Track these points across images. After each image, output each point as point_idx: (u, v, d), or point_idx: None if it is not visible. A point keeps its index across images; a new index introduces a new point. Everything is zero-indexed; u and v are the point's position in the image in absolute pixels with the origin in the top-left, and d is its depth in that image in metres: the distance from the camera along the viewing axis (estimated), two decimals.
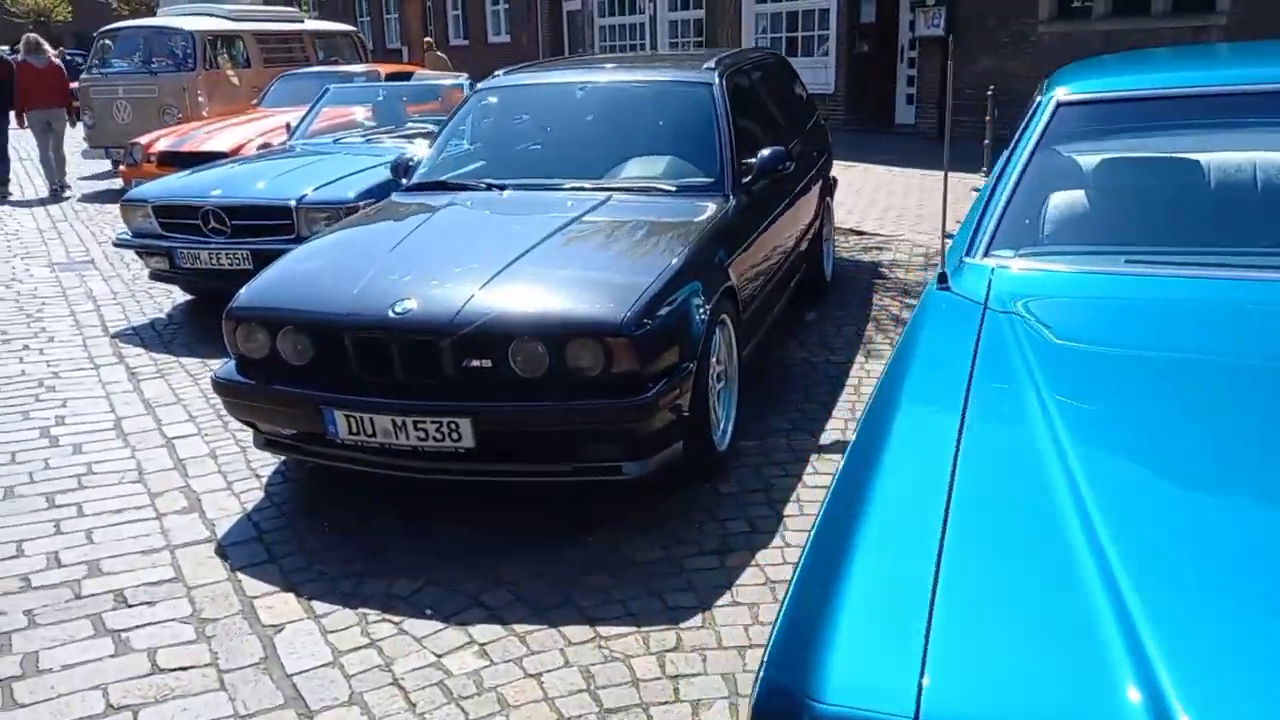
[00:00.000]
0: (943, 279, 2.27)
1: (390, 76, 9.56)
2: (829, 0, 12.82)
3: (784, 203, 4.10)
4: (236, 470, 3.46)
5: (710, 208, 3.47)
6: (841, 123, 12.93)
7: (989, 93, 8.67)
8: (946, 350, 1.90)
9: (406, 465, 2.88)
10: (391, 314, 2.81)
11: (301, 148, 6.09)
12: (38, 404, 4.12)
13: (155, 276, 5.34)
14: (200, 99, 9.97)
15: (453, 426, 2.74)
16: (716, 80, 3.95)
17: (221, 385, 3.05)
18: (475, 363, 2.77)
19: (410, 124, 6.53)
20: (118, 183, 11.01)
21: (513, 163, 3.91)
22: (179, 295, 5.79)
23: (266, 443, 3.15)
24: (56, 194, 10.10)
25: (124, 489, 3.33)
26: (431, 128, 6.19)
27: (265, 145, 7.75)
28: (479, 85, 4.31)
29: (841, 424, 3.62)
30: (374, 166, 5.33)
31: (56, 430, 3.84)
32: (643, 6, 16.20)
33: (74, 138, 11.33)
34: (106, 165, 11.27)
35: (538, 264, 3.01)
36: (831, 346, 4.48)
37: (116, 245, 5.35)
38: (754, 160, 3.74)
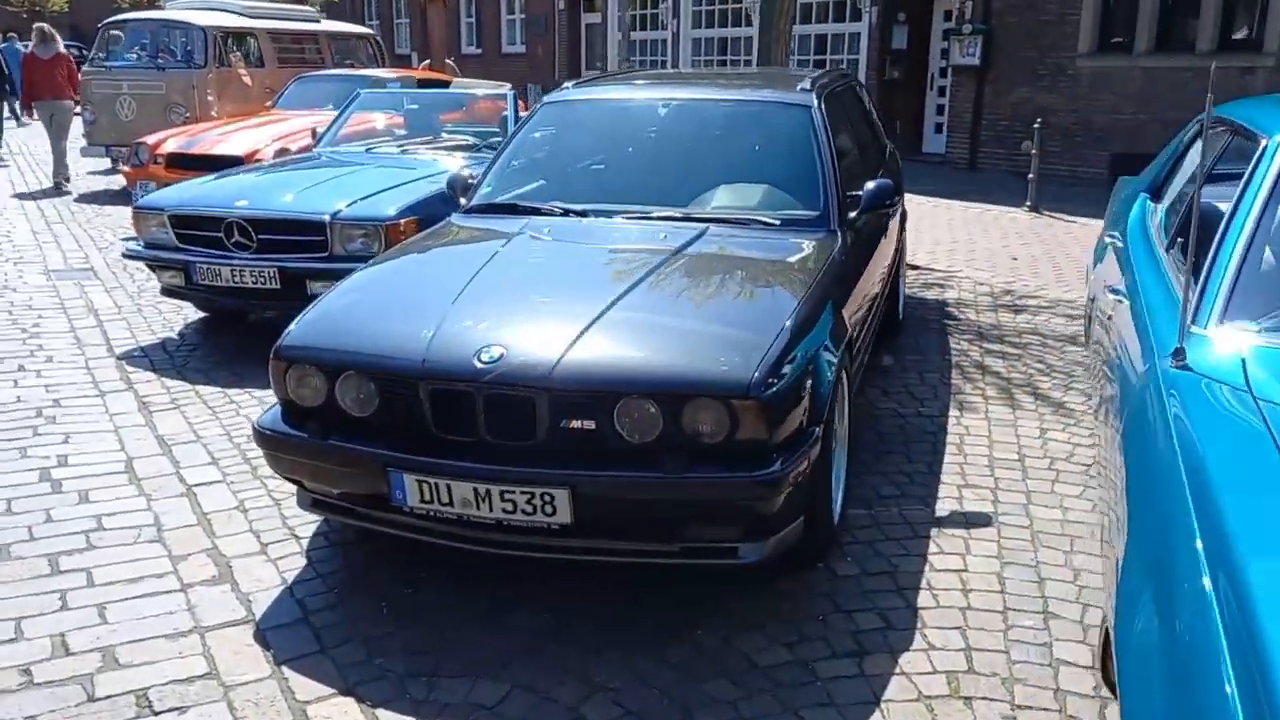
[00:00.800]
0: (1179, 354, 1.88)
1: (421, 84, 9.18)
2: (860, 25, 12.55)
3: (879, 238, 3.72)
4: (271, 528, 3.01)
5: (820, 245, 3.07)
6: None
7: (1036, 125, 8.36)
8: (1247, 462, 1.50)
9: (487, 540, 2.44)
10: (478, 363, 2.39)
11: (329, 156, 5.65)
12: (36, 438, 3.64)
13: (168, 292, 4.87)
14: (210, 98, 9.51)
15: (547, 498, 2.31)
16: (815, 102, 3.56)
17: (267, 438, 2.61)
18: (575, 424, 2.34)
19: (445, 134, 6.11)
20: (117, 182, 10.53)
21: (587, 185, 3.50)
22: (190, 311, 5.32)
23: (314, 503, 2.71)
24: (59, 187, 9.83)
25: (140, 550, 2.86)
26: (470, 139, 5.79)
27: (282, 151, 7.32)
28: (546, 98, 3.90)
29: (954, 491, 3.21)
30: (413, 180, 4.90)
31: (59, 473, 3.36)
32: (664, 22, 15.91)
33: (74, 133, 10.93)
34: (105, 163, 10.79)
35: (642, 308, 2.60)
36: (918, 396, 4.08)
37: (127, 257, 4.88)
38: (859, 193, 3.35)
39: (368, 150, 5.68)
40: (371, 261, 3.14)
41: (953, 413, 3.88)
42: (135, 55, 9.84)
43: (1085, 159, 10.16)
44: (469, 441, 2.40)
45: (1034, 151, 8.34)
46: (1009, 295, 5.79)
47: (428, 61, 12.28)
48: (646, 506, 2.34)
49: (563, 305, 2.64)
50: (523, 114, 5.97)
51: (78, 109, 9.92)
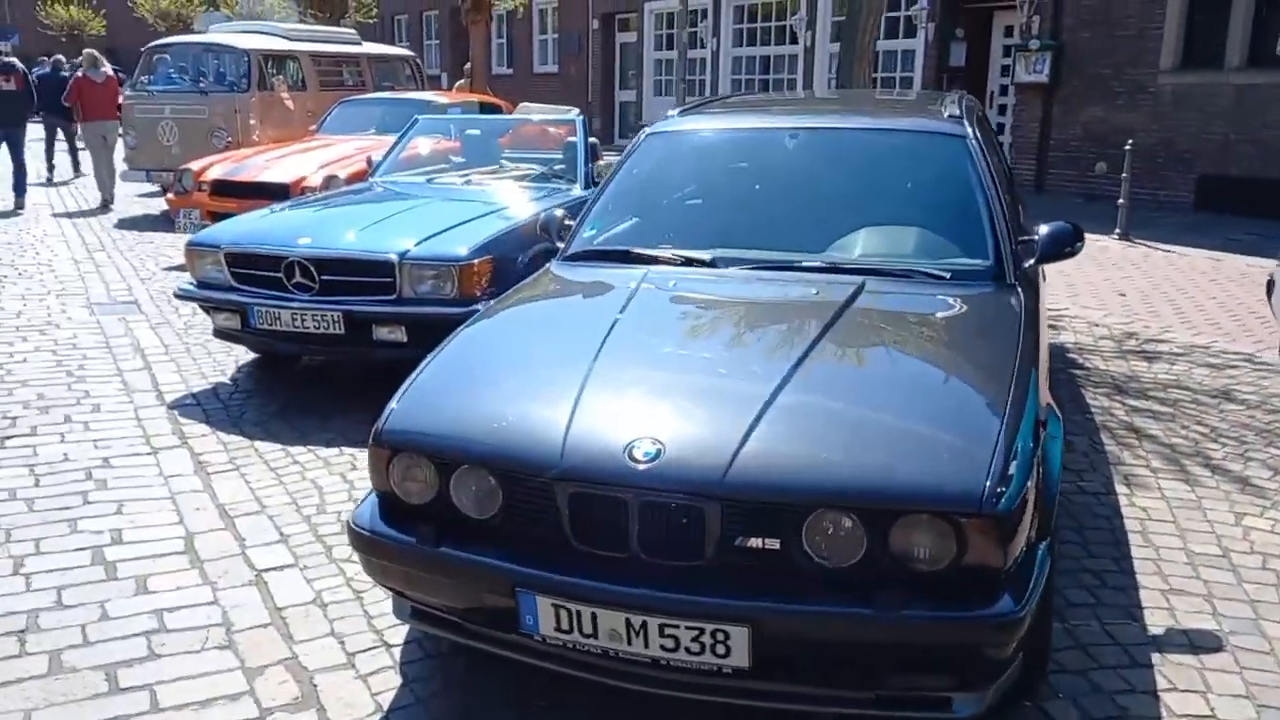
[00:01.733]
0: None
1: (468, 106, 8.86)
2: (915, 41, 12.12)
3: (1039, 289, 3.25)
4: (356, 631, 2.58)
5: (1002, 304, 2.61)
6: None
7: (1128, 146, 7.86)
8: None
9: (639, 677, 2.00)
10: (630, 462, 1.95)
11: (388, 188, 5.27)
12: (86, 507, 3.25)
13: (221, 335, 4.48)
14: (252, 122, 9.23)
15: (720, 636, 1.86)
16: (971, 131, 3.12)
17: (365, 540, 2.18)
18: (754, 542, 1.90)
19: (507, 162, 5.72)
20: (156, 206, 10.27)
21: (708, 228, 3.07)
22: (241, 352, 4.95)
23: (416, 614, 2.28)
24: (107, 204, 10.17)
25: (209, 660, 2.44)
26: (537, 168, 5.39)
27: (330, 179, 6.99)
28: (650, 128, 3.48)
29: (1160, 599, 2.67)
30: (482, 215, 4.50)
31: (113, 552, 2.96)
32: (704, 41, 15.56)
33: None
34: (145, 188, 10.55)
35: (819, 390, 2.15)
36: (1073, 467, 3.58)
37: (180, 297, 4.50)
38: (1031, 238, 2.90)
39: (429, 181, 5.30)
40: (472, 320, 2.71)
41: (1120, 489, 3.37)
42: (178, 79, 9.60)
43: (1169, 182, 9.62)
44: (618, 558, 1.96)
45: (1124, 175, 7.84)
46: (1133, 339, 5.28)
47: (462, 81, 11.95)
48: (846, 649, 1.89)
49: (721, 383, 2.20)
50: (567, 138, 5.63)
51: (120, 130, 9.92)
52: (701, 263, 2.86)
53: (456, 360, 2.45)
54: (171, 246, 8.09)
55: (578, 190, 5.07)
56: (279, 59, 9.77)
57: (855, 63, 6.02)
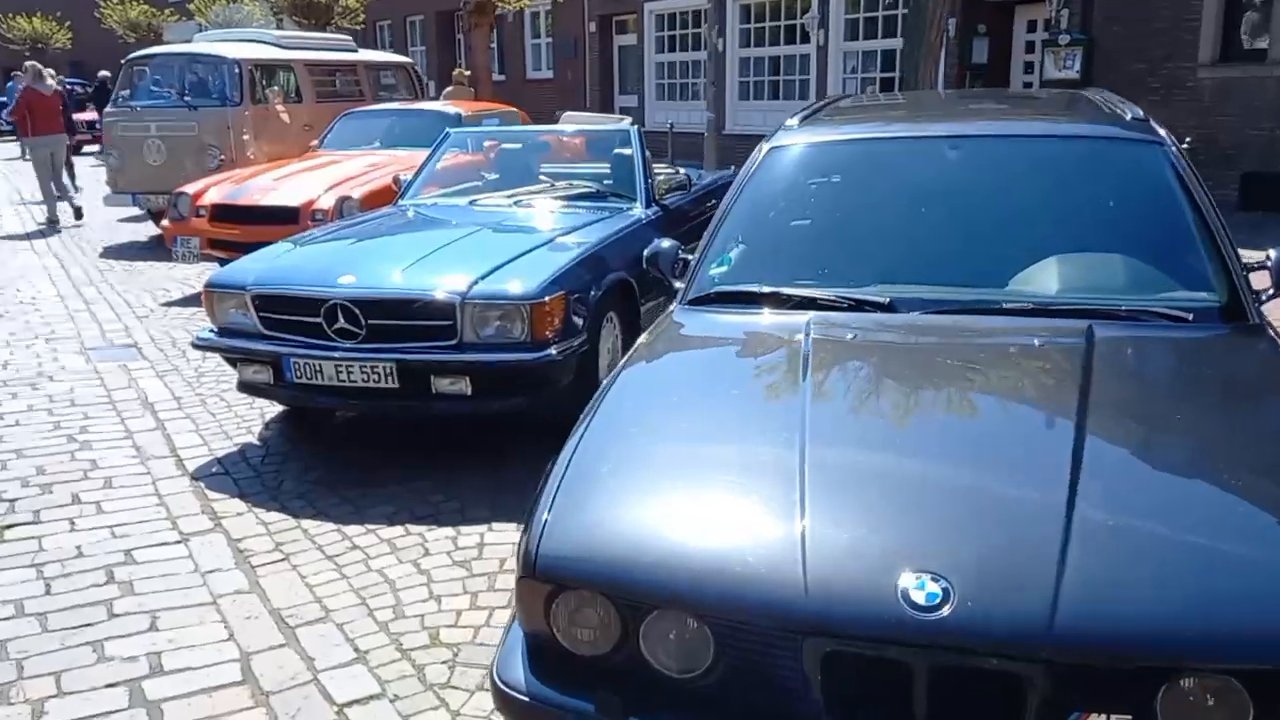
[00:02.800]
0: None
1: (476, 115, 8.29)
2: None
3: None
4: None
5: (1264, 351, 2.13)
6: None
7: (1187, 142, 7.46)
8: None
9: None
10: (912, 610, 1.43)
11: (424, 213, 4.68)
12: (113, 623, 2.66)
13: (249, 389, 3.91)
14: (246, 138, 8.61)
15: None
16: (1166, 136, 2.64)
17: (522, 708, 1.64)
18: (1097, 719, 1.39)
19: (547, 177, 5.17)
20: (143, 232, 9.61)
21: (868, 261, 2.55)
22: (265, 405, 4.38)
23: None
24: (54, 223, 9.84)
25: None
26: (592, 186, 4.83)
27: (343, 200, 6.41)
28: (770, 141, 2.96)
29: None
30: (544, 243, 3.95)
31: (154, 687, 2.37)
32: (707, 40, 15.04)
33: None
34: (130, 211, 9.85)
35: (1131, 497, 1.61)
36: None
37: (198, 348, 3.91)
38: (1266, 263, 2.42)
39: (471, 204, 4.73)
40: (605, 390, 2.17)
41: None
42: (163, 93, 8.95)
43: (1212, 180, 9.20)
44: None
45: None
46: None
47: (451, 89, 11.38)
48: None
49: (984, 485, 1.67)
50: (616, 149, 5.10)
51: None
52: (876, 305, 2.34)
53: (615, 451, 1.89)
54: (166, 277, 7.46)
55: (639, 210, 4.53)
56: (272, 69, 9.15)
57: (922, 60, 5.55)
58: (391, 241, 4.19)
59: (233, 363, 3.89)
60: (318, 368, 3.58)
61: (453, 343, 3.52)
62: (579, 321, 3.67)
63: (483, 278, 3.58)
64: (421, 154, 7.67)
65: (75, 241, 9.11)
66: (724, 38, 14.85)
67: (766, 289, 2.47)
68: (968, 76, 11.45)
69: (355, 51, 10.59)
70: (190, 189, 6.83)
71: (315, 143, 8.24)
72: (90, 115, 20.40)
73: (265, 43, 9.42)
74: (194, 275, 7.37)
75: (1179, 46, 9.47)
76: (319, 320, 3.60)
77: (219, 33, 10.58)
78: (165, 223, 6.85)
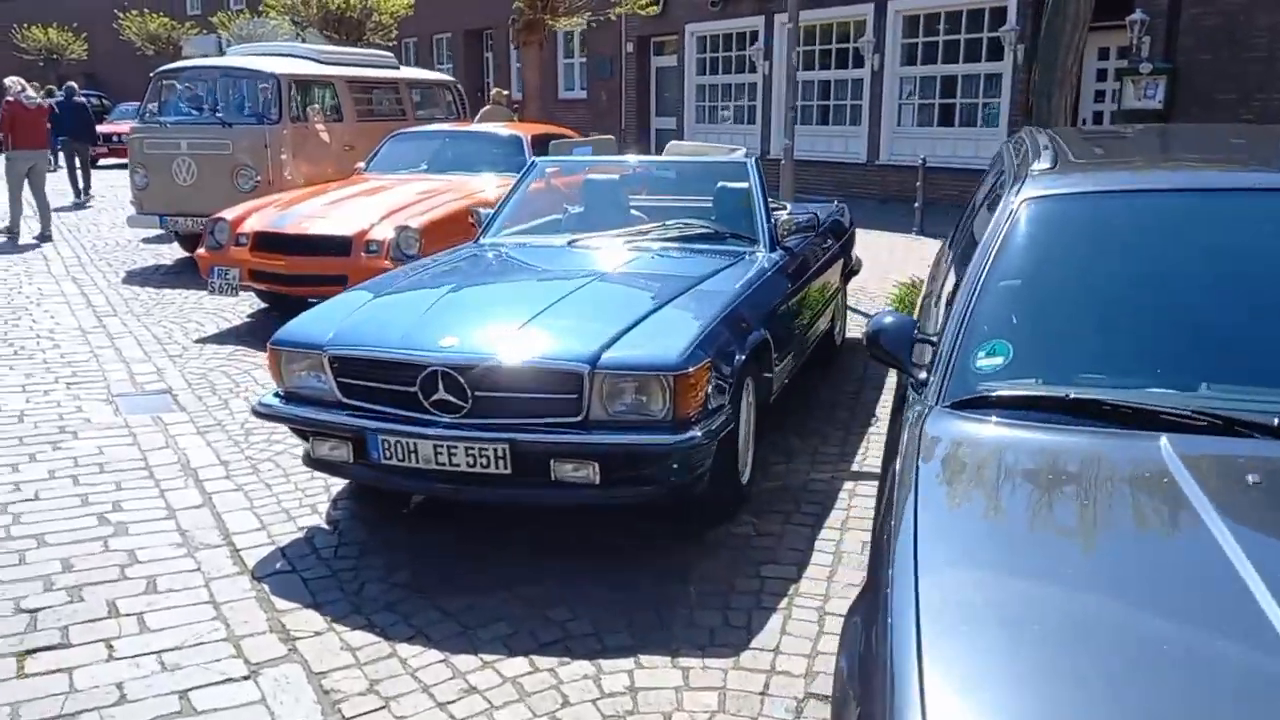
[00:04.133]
0: None
1: (538, 140, 7.69)
2: (1001, 64, 11.13)
3: None
4: None
5: None
6: None
7: None
8: None
9: None
10: None
11: (513, 256, 4.03)
12: None
13: (321, 466, 3.22)
14: (283, 158, 8.02)
15: None
16: None
17: None
18: None
19: (637, 212, 4.53)
20: (168, 254, 8.99)
21: (1197, 353, 1.92)
22: (330, 478, 3.72)
23: None
24: (12, 235, 9.61)
25: None
26: (705, 225, 4.18)
27: (402, 231, 5.79)
28: (1022, 192, 2.32)
29: None
30: (674, 298, 3.29)
31: None
32: (754, 63, 14.53)
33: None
34: (151, 232, 9.25)
35: None
36: None
37: (260, 416, 3.26)
38: None
39: (570, 245, 4.09)
40: (904, 559, 1.52)
41: None
42: (194, 109, 8.38)
43: None
44: None
45: None
46: None
47: (487, 108, 10.82)
48: None
49: None
50: (735, 185, 4.48)
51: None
52: (1259, 428, 1.69)
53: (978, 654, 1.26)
54: (197, 308, 6.84)
55: (762, 254, 3.91)
56: (311, 85, 8.58)
57: (1055, 90, 4.95)
58: (491, 293, 3.55)
59: (302, 435, 3.24)
60: (411, 447, 2.93)
61: (577, 420, 2.87)
62: (723, 394, 3.04)
63: (613, 342, 2.94)
64: (479, 180, 7.17)
65: (96, 264, 8.51)
66: (770, 60, 14.37)
67: (1074, 393, 1.83)
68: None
69: (397, 68, 10.04)
70: (229, 215, 6.22)
71: (361, 165, 7.64)
72: (110, 128, 19.99)
73: (304, 57, 8.84)
74: (228, 307, 6.76)
75: (1274, 77, 8.90)
76: (414, 389, 2.96)
77: (252, 46, 10.03)
78: (201, 251, 6.22)
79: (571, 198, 4.93)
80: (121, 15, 27.71)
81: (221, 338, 6.00)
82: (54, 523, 3.34)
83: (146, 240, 9.61)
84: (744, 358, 3.17)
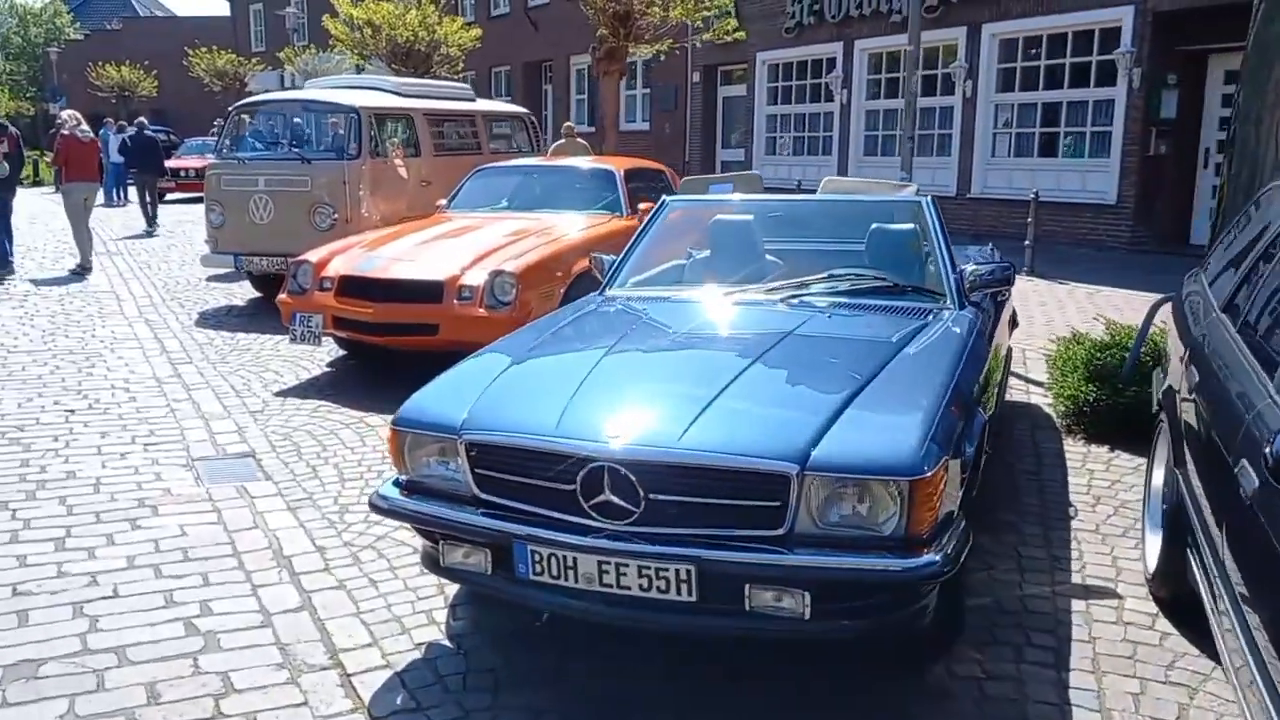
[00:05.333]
0: None
1: (632, 175, 7.22)
2: (1115, 90, 10.40)
3: None
4: None
5: None
6: (1127, 241, 10.37)
7: None
8: None
9: None
10: None
11: (657, 316, 3.43)
12: None
13: (450, 575, 2.65)
14: (361, 194, 7.67)
15: None
16: None
17: None
18: None
19: (771, 258, 3.95)
20: (240, 294, 8.67)
21: None
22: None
23: None
24: (84, 270, 9.65)
25: None
26: (876, 278, 3.55)
27: (497, 275, 5.31)
28: None
29: None
30: (877, 373, 2.66)
31: None
32: (832, 92, 14.00)
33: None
34: (216, 270, 8.94)
35: None
36: None
37: (377, 510, 2.73)
38: None
39: (720, 300, 3.48)
40: None
41: None
42: (272, 144, 8.10)
43: None
44: None
45: None
46: None
47: (561, 142, 10.43)
48: None
49: None
50: (902, 226, 3.88)
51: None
52: None
53: None
54: (274, 354, 6.44)
55: (952, 313, 3.30)
56: (390, 119, 8.25)
57: (1268, 112, 4.27)
58: (652, 365, 2.96)
59: (429, 536, 2.72)
60: (569, 562, 2.37)
61: (779, 534, 2.30)
62: (955, 500, 2.44)
63: (822, 433, 2.34)
64: (569, 219, 6.63)
65: (168, 304, 8.21)
66: (848, 89, 13.83)
67: None
68: (1154, 134, 10.12)
69: (473, 100, 9.70)
70: (313, 257, 5.81)
71: (442, 203, 7.23)
72: (177, 163, 20.19)
73: (382, 90, 8.54)
74: (305, 354, 6.33)
75: None
76: (572, 488, 2.41)
77: (328, 80, 9.80)
78: (283, 295, 5.82)
79: (697, 241, 4.38)
80: (191, 52, 28.31)
81: (302, 390, 5.56)
82: (136, 629, 2.85)
83: (213, 279, 9.35)
84: (974, 449, 2.57)
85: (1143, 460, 4.16)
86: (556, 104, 21.15)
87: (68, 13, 45.48)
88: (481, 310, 5.28)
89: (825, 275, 3.44)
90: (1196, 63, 10.07)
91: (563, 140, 10.95)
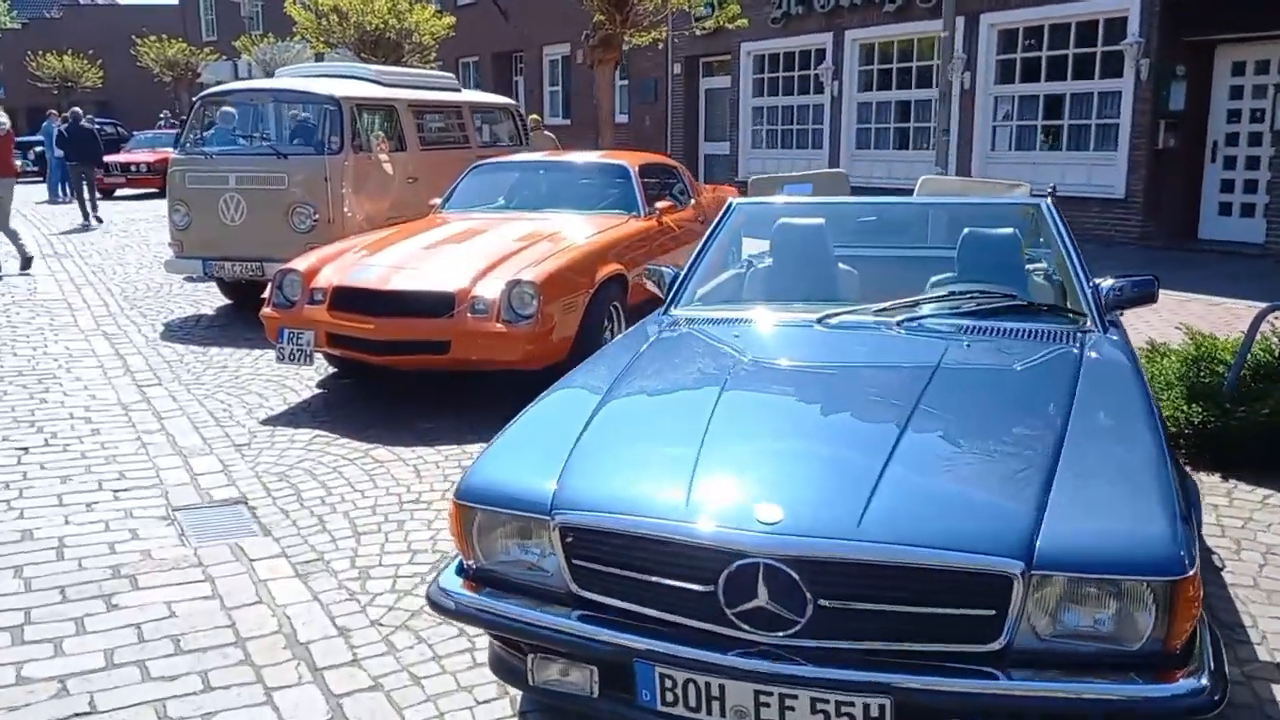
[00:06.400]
0: None
1: (647, 170, 6.64)
2: (1122, 81, 10.07)
3: None
4: None
5: None
6: (1137, 236, 10.08)
7: None
8: None
9: None
10: None
11: (748, 340, 2.87)
12: None
13: (547, 695, 2.06)
14: (344, 192, 6.98)
15: None
16: None
17: None
18: None
19: (844, 267, 3.42)
20: (209, 303, 7.81)
21: None
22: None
23: None
24: (28, 262, 9.11)
25: None
26: (1006, 295, 3.02)
27: (514, 286, 4.71)
28: None
29: None
30: (1066, 427, 2.13)
31: None
32: (823, 83, 13.53)
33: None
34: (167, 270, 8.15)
35: None
36: None
37: (439, 610, 2.09)
38: None
39: (821, 323, 2.89)
40: None
41: None
42: (243, 137, 7.35)
43: None
44: None
45: None
46: None
47: (534, 124, 9.76)
48: None
49: None
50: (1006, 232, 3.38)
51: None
52: None
53: None
54: (255, 373, 5.74)
55: (1096, 337, 2.81)
56: (372, 110, 7.55)
57: None
58: (783, 416, 2.38)
59: (514, 648, 2.13)
60: (713, 690, 1.82)
61: (993, 649, 1.77)
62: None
63: (1039, 516, 1.80)
64: (583, 219, 5.96)
65: (128, 313, 7.42)
66: (839, 80, 13.38)
67: None
68: (1163, 127, 9.83)
69: (458, 90, 9.01)
70: (301, 265, 5.13)
71: (436, 201, 6.59)
72: (126, 157, 19.07)
73: (364, 79, 7.81)
74: (290, 373, 5.64)
75: None
76: (712, 589, 1.86)
77: (303, 67, 9.02)
78: (267, 310, 5.14)
79: (762, 248, 3.82)
80: (139, 41, 26.90)
81: (293, 417, 4.89)
82: None
83: (176, 284, 8.55)
84: (1199, 524, 2.08)
85: (1269, 492, 3.75)
86: (529, 96, 20.41)
87: (3, 1, 43.34)
88: (499, 325, 4.67)
89: (947, 293, 2.91)
90: (1203, 54, 9.79)
91: (532, 135, 10.34)
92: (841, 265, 3.45)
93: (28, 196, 18.61)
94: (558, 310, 4.85)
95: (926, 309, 2.92)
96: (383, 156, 7.36)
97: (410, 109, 7.87)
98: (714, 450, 2.09)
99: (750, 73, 14.87)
